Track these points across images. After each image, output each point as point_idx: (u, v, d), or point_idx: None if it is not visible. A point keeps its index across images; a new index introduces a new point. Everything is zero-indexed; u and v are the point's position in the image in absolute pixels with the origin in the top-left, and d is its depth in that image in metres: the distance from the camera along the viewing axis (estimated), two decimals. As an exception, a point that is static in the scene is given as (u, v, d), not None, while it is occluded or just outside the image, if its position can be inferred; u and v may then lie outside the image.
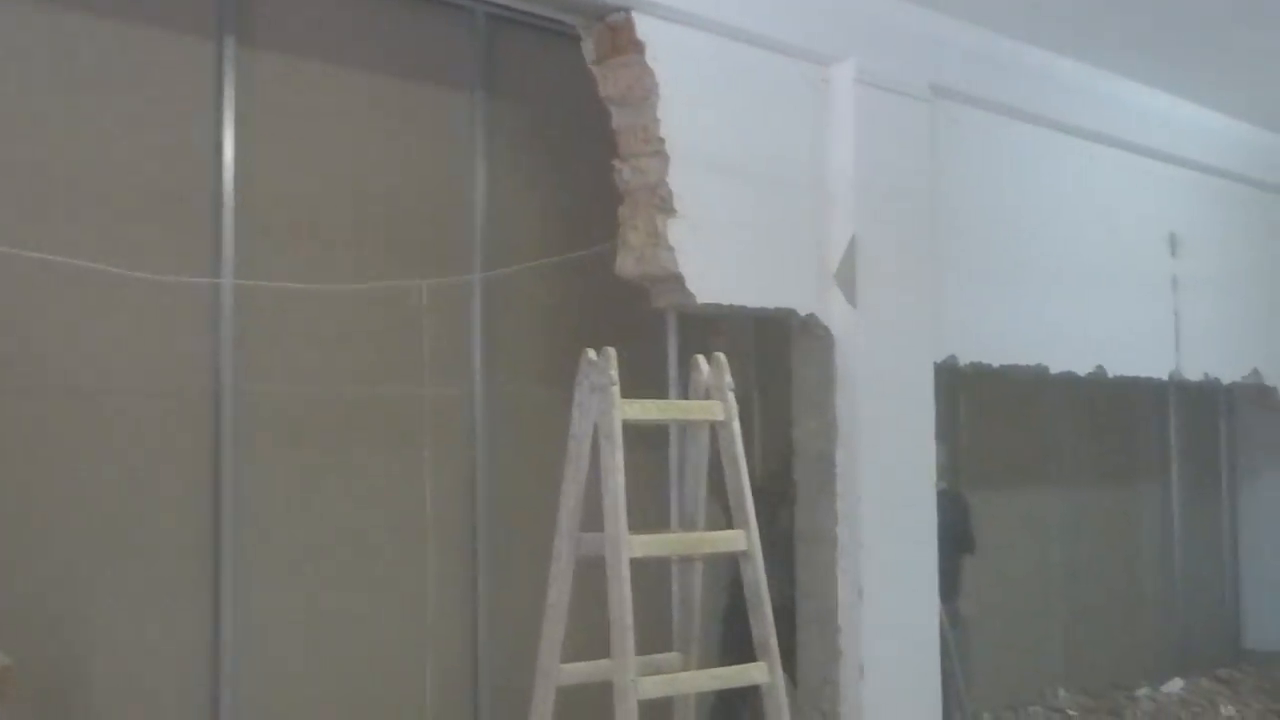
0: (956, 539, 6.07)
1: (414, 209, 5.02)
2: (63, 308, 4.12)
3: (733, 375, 4.13)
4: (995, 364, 6.17)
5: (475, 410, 5.11)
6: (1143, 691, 7.96)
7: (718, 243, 4.87)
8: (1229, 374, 7.77)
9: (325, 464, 4.71)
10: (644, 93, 4.74)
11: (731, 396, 4.09)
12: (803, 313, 5.26)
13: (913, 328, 5.56)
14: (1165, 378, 7.32)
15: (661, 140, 4.72)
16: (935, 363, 5.69)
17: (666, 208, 4.73)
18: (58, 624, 4.05)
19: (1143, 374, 7.14)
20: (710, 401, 4.10)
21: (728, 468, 4.08)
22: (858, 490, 5.23)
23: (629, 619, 3.63)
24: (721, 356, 4.14)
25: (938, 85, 5.77)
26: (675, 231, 4.73)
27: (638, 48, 4.70)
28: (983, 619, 6.75)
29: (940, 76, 5.78)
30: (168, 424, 4.33)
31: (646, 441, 5.21)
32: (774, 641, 4.00)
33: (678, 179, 4.74)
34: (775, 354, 5.69)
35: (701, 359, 4.16)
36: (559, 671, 3.89)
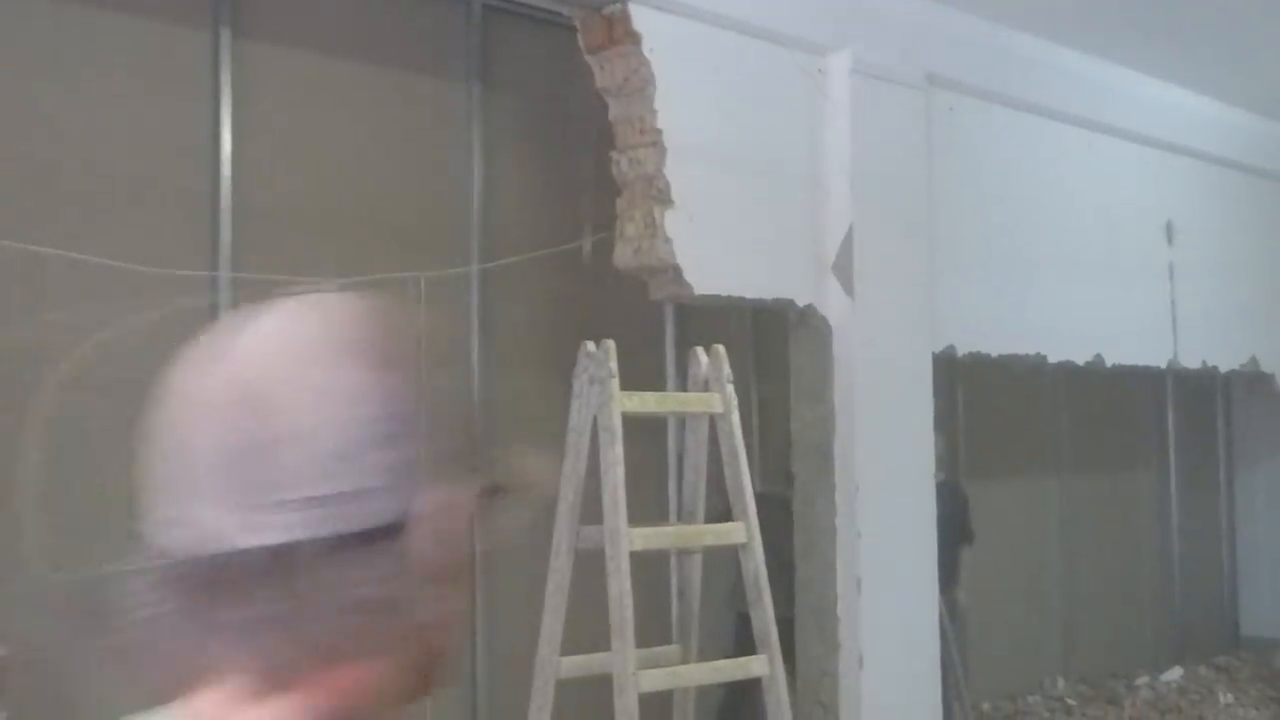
0: (955, 530, 6.07)
1: (410, 200, 5.00)
2: (58, 301, 4.10)
3: (730, 367, 4.13)
4: (994, 354, 6.15)
5: (472, 401, 5.09)
6: (1142, 680, 7.97)
7: (715, 234, 4.86)
8: (1227, 362, 7.76)
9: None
10: (640, 84, 4.72)
11: (731, 389, 4.09)
12: (800, 304, 5.25)
13: (910, 318, 5.55)
14: (1163, 366, 7.31)
15: (658, 131, 4.71)
16: (934, 353, 5.68)
17: (664, 199, 4.72)
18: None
19: (1141, 363, 7.13)
20: (709, 394, 4.09)
21: (727, 460, 4.08)
22: (856, 481, 5.22)
23: (629, 612, 3.63)
24: (720, 349, 4.13)
25: (934, 75, 5.75)
26: (672, 222, 4.71)
27: (634, 39, 4.68)
28: (981, 609, 6.75)
29: (936, 66, 5.76)
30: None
31: (644, 433, 5.20)
32: (775, 634, 4.00)
33: (675, 170, 4.72)
34: (772, 345, 5.68)
35: (700, 351, 4.16)
36: (559, 664, 3.89)
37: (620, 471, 3.68)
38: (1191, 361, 7.45)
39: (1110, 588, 8.24)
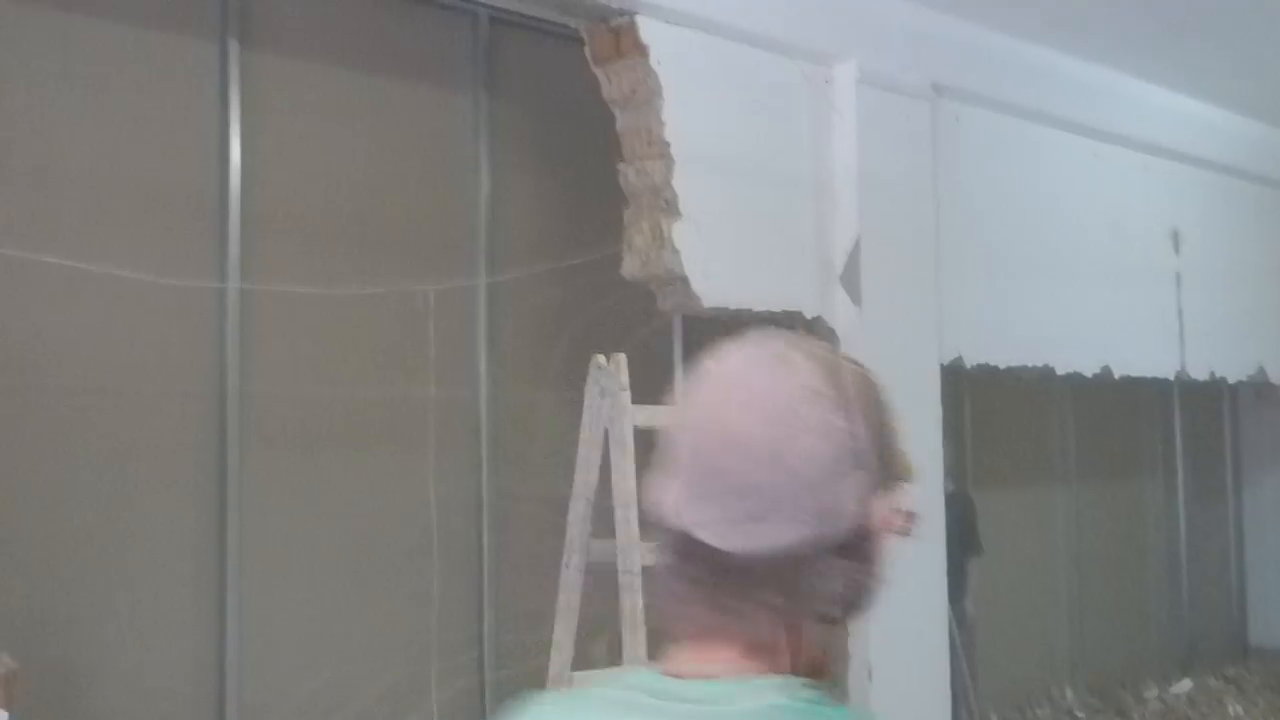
0: (963, 541, 6.05)
1: (418, 212, 5.00)
2: (69, 311, 4.10)
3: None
4: (1001, 365, 6.14)
5: (480, 414, 5.08)
6: (1151, 693, 7.94)
7: (723, 245, 4.85)
8: (1234, 372, 7.74)
9: (331, 468, 4.68)
10: (648, 95, 4.72)
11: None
12: (809, 315, 5.23)
13: (918, 329, 5.53)
14: (1171, 377, 7.30)
15: (666, 143, 4.70)
16: (941, 364, 5.66)
17: (671, 210, 4.71)
18: (63, 628, 4.03)
19: (1149, 373, 7.11)
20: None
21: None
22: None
23: (642, 626, 3.61)
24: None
25: (940, 84, 5.75)
26: (680, 234, 4.70)
27: (641, 50, 4.67)
28: (989, 619, 6.73)
29: (942, 75, 5.76)
30: (173, 428, 4.31)
31: (647, 445, 5.19)
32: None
33: (682, 181, 4.71)
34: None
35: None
36: (571, 679, 3.87)
37: (632, 485, 3.66)
38: (1199, 372, 7.43)
39: (1118, 598, 8.22)
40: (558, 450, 4.61)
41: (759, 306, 5.04)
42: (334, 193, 4.77)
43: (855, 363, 1.19)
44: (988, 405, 7.24)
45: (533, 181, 5.33)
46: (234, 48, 4.47)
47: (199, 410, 4.36)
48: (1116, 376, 6.83)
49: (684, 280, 4.73)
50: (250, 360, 4.45)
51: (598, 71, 4.80)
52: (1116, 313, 6.83)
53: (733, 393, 1.12)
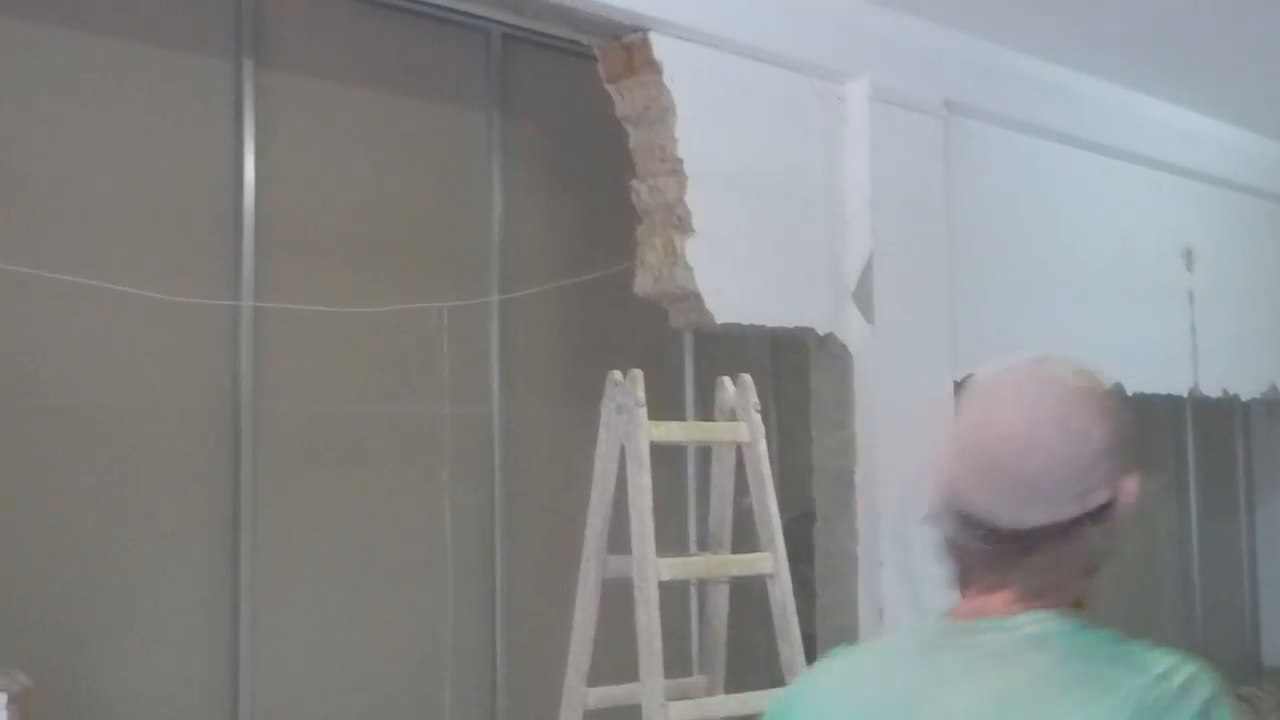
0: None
1: (431, 229, 5.00)
2: (82, 328, 4.11)
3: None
4: (1014, 382, 6.11)
5: (494, 430, 5.08)
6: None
7: (736, 261, 4.85)
8: (1248, 390, 7.71)
9: (344, 485, 4.68)
10: (661, 112, 4.72)
11: (757, 417, 4.06)
12: (821, 331, 5.22)
13: (931, 346, 5.52)
14: (1184, 394, 7.27)
15: (679, 160, 4.70)
16: (954, 381, 5.64)
17: (684, 227, 4.71)
18: (77, 645, 4.02)
19: (1161, 391, 7.08)
20: (736, 423, 4.07)
21: (754, 489, 4.05)
22: (876, 508, 5.18)
23: (658, 642, 3.60)
24: (747, 378, 4.12)
25: (952, 101, 5.74)
26: (693, 250, 4.70)
27: (655, 68, 4.68)
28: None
29: (955, 92, 5.76)
30: (186, 445, 4.31)
31: (662, 462, 5.18)
32: (802, 663, 3.97)
33: (695, 198, 4.71)
34: (792, 373, 5.66)
35: (727, 380, 4.14)
36: (586, 695, 3.85)
37: (648, 501, 3.65)
38: (1212, 390, 7.40)
39: (1130, 617, 8.13)
40: (571, 466, 4.60)
41: (772, 323, 5.04)
42: (347, 210, 4.78)
43: (1092, 375, 1.54)
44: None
45: (545, 198, 5.34)
46: (248, 66, 4.48)
47: (213, 427, 4.36)
48: (1129, 394, 6.80)
49: (697, 297, 4.73)
50: (264, 377, 4.45)
51: (610, 88, 4.81)
52: (1129, 330, 6.81)
53: (1006, 398, 1.48)
